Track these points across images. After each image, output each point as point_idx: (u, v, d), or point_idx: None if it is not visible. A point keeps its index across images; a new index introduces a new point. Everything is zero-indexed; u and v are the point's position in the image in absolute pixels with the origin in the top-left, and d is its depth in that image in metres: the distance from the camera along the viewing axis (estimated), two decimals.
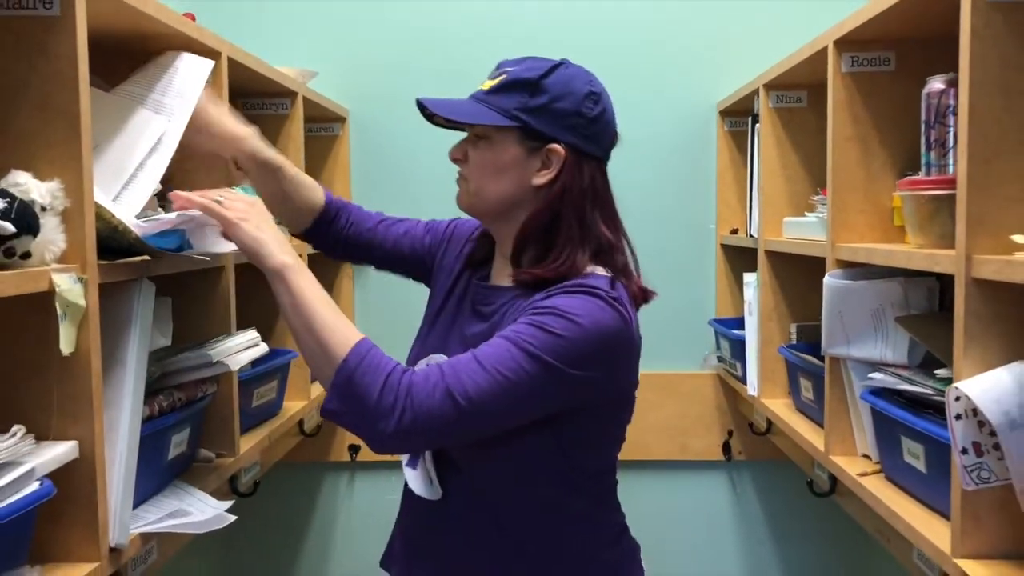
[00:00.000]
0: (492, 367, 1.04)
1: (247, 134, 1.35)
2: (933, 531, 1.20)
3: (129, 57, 1.42)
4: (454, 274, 1.33)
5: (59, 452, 1.05)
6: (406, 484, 1.26)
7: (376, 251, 1.44)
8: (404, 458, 1.24)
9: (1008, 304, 1.06)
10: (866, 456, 1.55)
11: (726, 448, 2.51)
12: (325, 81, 2.36)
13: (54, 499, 1.03)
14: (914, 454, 1.31)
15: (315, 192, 1.43)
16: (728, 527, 2.57)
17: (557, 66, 1.18)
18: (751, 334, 2.10)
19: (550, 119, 1.16)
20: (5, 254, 0.97)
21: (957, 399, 1.06)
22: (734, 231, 2.42)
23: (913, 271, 1.37)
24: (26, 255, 1.00)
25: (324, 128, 2.47)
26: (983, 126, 1.06)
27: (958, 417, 1.07)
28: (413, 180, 2.50)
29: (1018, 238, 1.02)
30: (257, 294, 1.76)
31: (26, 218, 0.97)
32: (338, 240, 1.44)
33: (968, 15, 1.05)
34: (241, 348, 1.50)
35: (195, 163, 1.54)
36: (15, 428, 1.01)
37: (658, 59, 2.47)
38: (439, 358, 1.18)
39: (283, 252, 1.14)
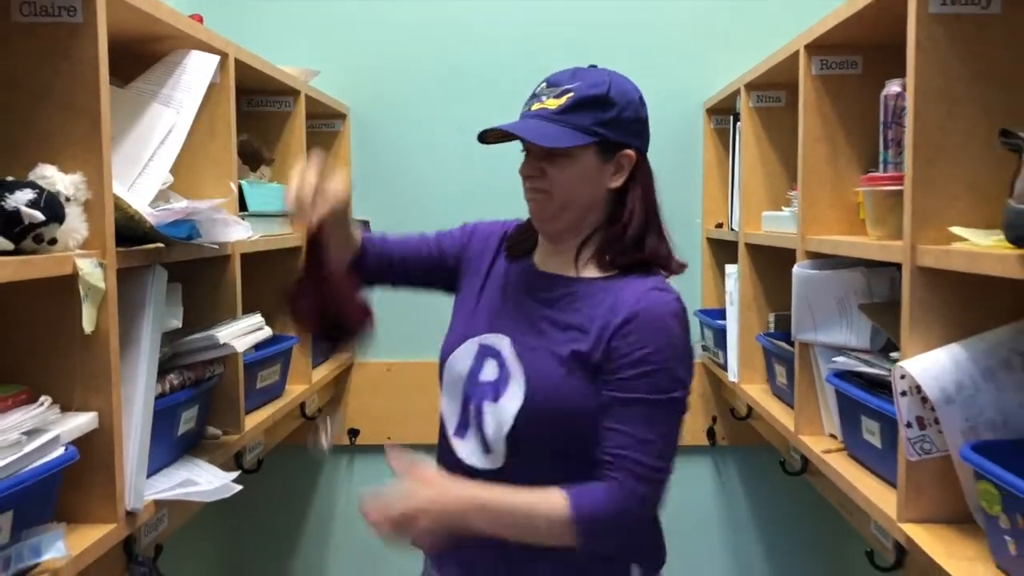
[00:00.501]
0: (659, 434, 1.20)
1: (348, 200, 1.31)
2: (884, 501, 1.29)
3: (142, 57, 1.52)
4: (487, 265, 1.39)
5: (81, 422, 1.15)
6: (445, 454, 1.31)
7: (405, 262, 1.44)
8: (452, 422, 1.31)
9: (948, 291, 1.15)
10: (832, 436, 1.65)
11: (711, 434, 2.61)
12: (327, 79, 2.46)
13: (76, 465, 1.13)
14: (871, 431, 1.41)
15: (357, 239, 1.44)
16: (713, 510, 2.67)
17: (609, 77, 1.28)
18: (731, 323, 2.20)
19: (621, 129, 1.27)
20: (34, 240, 1.07)
21: (902, 377, 1.16)
22: (719, 225, 2.51)
23: (873, 261, 1.46)
24: (52, 241, 1.09)
25: (326, 124, 2.56)
26: (927, 129, 1.16)
27: (903, 394, 1.17)
28: (411, 174, 2.60)
29: (956, 230, 1.12)
30: (262, 281, 1.88)
31: (53, 208, 1.07)
32: (372, 268, 1.43)
33: (913, 27, 1.15)
34: (246, 331, 1.60)
35: (201, 159, 1.65)
36: (42, 399, 1.11)
37: (648, 59, 2.56)
38: (495, 339, 1.29)
39: (459, 507, 1.18)
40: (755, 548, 2.66)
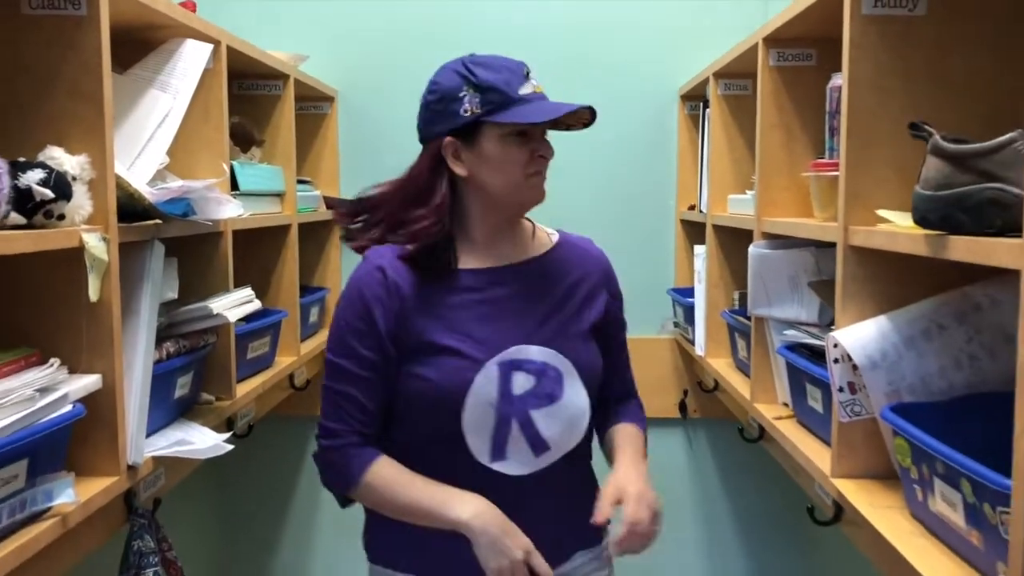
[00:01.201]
0: None
1: None
2: (822, 460, 1.42)
3: (139, 44, 1.61)
4: (413, 306, 1.34)
5: (87, 382, 1.26)
6: (477, 480, 1.31)
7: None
8: (485, 453, 1.32)
9: (876, 268, 1.27)
10: (785, 404, 1.77)
11: (682, 407, 2.73)
12: (315, 63, 2.55)
13: (82, 421, 1.24)
14: (815, 398, 1.53)
15: None
16: (684, 479, 2.80)
17: None
18: (699, 301, 2.31)
19: None
20: (45, 216, 1.17)
21: (835, 346, 1.28)
22: (692, 207, 2.62)
23: (821, 241, 1.58)
24: (60, 217, 1.20)
25: (314, 107, 2.66)
26: (860, 119, 1.27)
27: (836, 361, 1.29)
28: (396, 154, 2.65)
29: (882, 212, 1.23)
30: (251, 257, 1.98)
31: (62, 186, 1.18)
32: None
33: (848, 26, 1.26)
34: (237, 303, 1.71)
35: (195, 141, 1.75)
36: (52, 360, 1.22)
37: (626, 47, 2.66)
38: (514, 351, 1.33)
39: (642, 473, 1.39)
40: (723, 514, 2.79)
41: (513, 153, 1.33)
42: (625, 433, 1.46)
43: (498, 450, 1.33)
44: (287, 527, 2.84)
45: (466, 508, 1.28)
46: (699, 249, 2.33)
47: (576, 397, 1.36)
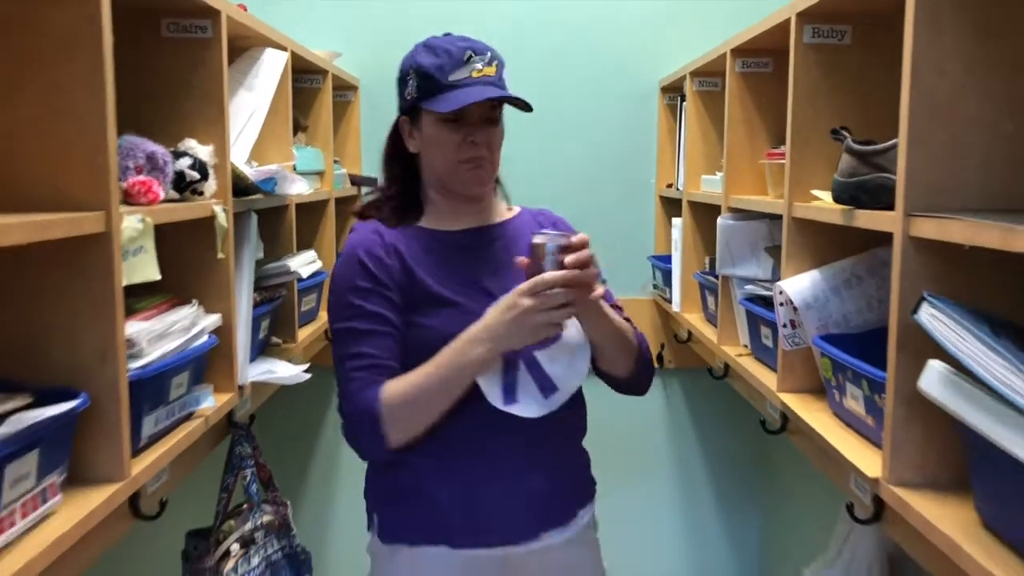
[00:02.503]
0: None
1: None
2: (770, 381, 1.84)
3: (230, 49, 1.98)
4: (415, 262, 1.44)
5: (213, 319, 1.65)
6: (494, 425, 1.41)
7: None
8: (497, 397, 1.39)
9: (812, 234, 1.69)
10: (745, 346, 2.19)
11: (659, 358, 3.16)
12: (341, 57, 2.92)
13: (212, 350, 1.63)
14: (766, 336, 1.95)
15: None
16: (661, 423, 3.23)
17: None
18: (676, 265, 2.73)
19: None
20: (193, 192, 1.55)
21: (780, 293, 1.70)
22: (669, 186, 3.03)
23: (774, 214, 1.99)
24: (200, 193, 1.58)
25: (340, 95, 3.02)
26: (801, 123, 1.68)
27: (781, 304, 1.71)
28: None
29: (815, 192, 1.65)
30: (304, 225, 2.36)
31: (204, 169, 1.56)
32: None
33: (793, 51, 1.66)
34: (306, 263, 2.10)
35: (266, 130, 2.12)
36: (193, 301, 1.60)
37: (613, 44, 3.05)
38: None
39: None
40: (693, 444, 3.23)
41: (445, 137, 1.39)
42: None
43: (509, 392, 1.39)
44: (315, 463, 3.25)
45: (474, 344, 1.33)
46: (676, 221, 2.74)
47: (575, 332, 1.43)
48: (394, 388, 1.37)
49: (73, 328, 1.20)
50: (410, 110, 1.44)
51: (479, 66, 1.38)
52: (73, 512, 1.14)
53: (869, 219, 1.35)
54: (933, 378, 1.11)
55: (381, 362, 1.40)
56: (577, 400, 1.53)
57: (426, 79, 1.38)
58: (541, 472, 1.45)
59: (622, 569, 3.07)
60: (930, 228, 1.15)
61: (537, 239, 1.33)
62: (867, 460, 1.35)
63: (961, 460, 1.19)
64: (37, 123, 1.15)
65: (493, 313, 1.34)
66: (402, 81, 1.46)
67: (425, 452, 1.43)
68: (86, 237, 1.16)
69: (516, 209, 1.61)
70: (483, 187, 1.45)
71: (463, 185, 1.44)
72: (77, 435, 1.19)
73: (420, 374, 1.37)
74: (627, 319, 1.57)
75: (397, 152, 1.51)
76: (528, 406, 1.40)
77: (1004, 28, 1.17)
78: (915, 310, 1.12)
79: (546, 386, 1.42)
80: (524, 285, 1.31)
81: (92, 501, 1.18)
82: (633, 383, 1.57)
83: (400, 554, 1.47)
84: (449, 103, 1.35)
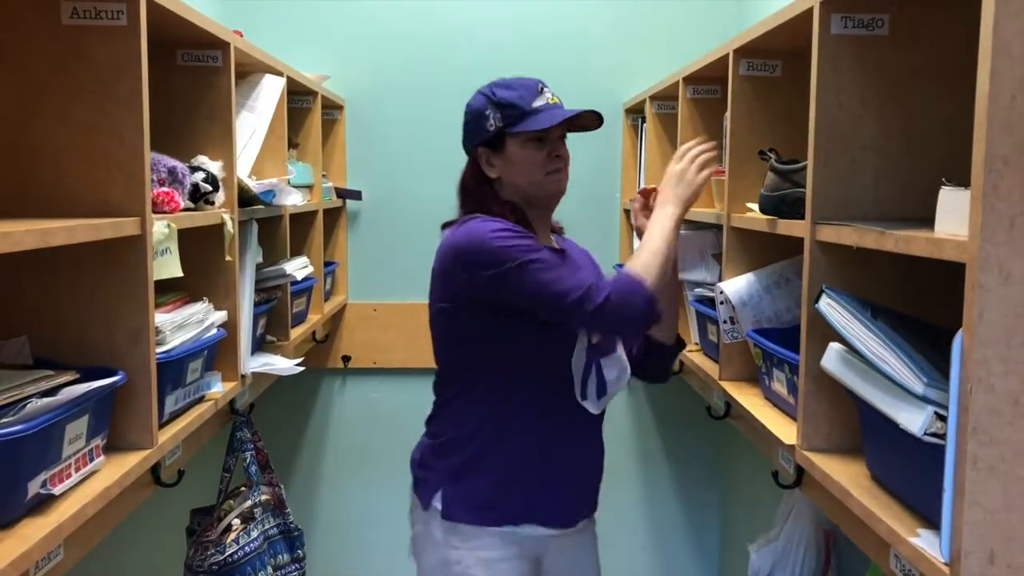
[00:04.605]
0: None
1: None
2: (714, 372, 2.08)
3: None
4: None
5: (221, 315, 1.86)
6: (575, 415, 1.68)
7: None
8: (591, 391, 1.66)
9: (747, 241, 1.93)
10: (696, 343, 2.43)
11: None
12: (328, 79, 3.14)
13: (219, 342, 1.84)
14: (712, 333, 2.19)
15: None
16: (626, 423, 3.46)
17: None
18: None
19: None
20: (205, 202, 1.77)
21: (720, 293, 1.94)
22: (633, 200, 3.28)
23: (717, 224, 2.24)
24: (212, 203, 1.80)
25: (327, 114, 3.23)
26: (738, 145, 1.93)
27: (721, 303, 1.95)
28: (394, 153, 3.31)
29: (749, 205, 1.89)
30: (302, 233, 2.57)
31: (216, 182, 1.78)
32: None
33: (731, 83, 1.91)
34: (299, 267, 2.32)
35: (264, 147, 2.34)
36: (204, 299, 1.81)
37: (582, 70, 3.30)
38: None
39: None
40: (656, 444, 3.47)
41: (532, 155, 1.64)
42: None
43: (583, 389, 1.64)
44: (303, 451, 3.45)
45: (664, 208, 1.65)
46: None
47: (623, 351, 1.72)
48: (634, 264, 1.59)
49: (111, 315, 1.42)
50: (493, 139, 1.65)
51: (549, 95, 1.68)
52: (113, 470, 1.35)
53: (787, 227, 1.60)
54: (831, 357, 1.35)
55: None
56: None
57: (511, 108, 1.63)
58: (594, 464, 1.77)
59: None
60: (830, 233, 1.39)
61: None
62: (787, 432, 1.59)
63: (859, 427, 1.42)
64: (85, 141, 1.37)
65: (664, 187, 1.68)
66: (479, 117, 1.66)
67: (500, 437, 1.65)
68: (125, 238, 1.38)
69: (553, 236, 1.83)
70: (565, 186, 1.71)
71: (551, 189, 1.69)
72: (114, 407, 1.40)
73: (643, 249, 1.61)
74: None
75: (476, 180, 1.70)
76: (591, 403, 1.67)
77: (892, 69, 1.42)
78: (816, 300, 1.36)
79: (602, 389, 1.67)
80: (674, 157, 1.70)
81: (128, 463, 1.39)
82: (671, 353, 1.85)
83: (458, 530, 1.65)
84: (541, 122, 1.61)
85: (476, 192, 1.71)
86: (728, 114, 1.94)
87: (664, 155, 2.88)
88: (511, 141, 1.66)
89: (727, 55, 1.96)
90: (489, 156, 1.69)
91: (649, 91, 2.88)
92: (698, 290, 2.31)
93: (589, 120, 1.69)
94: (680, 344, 1.87)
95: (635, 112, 3.27)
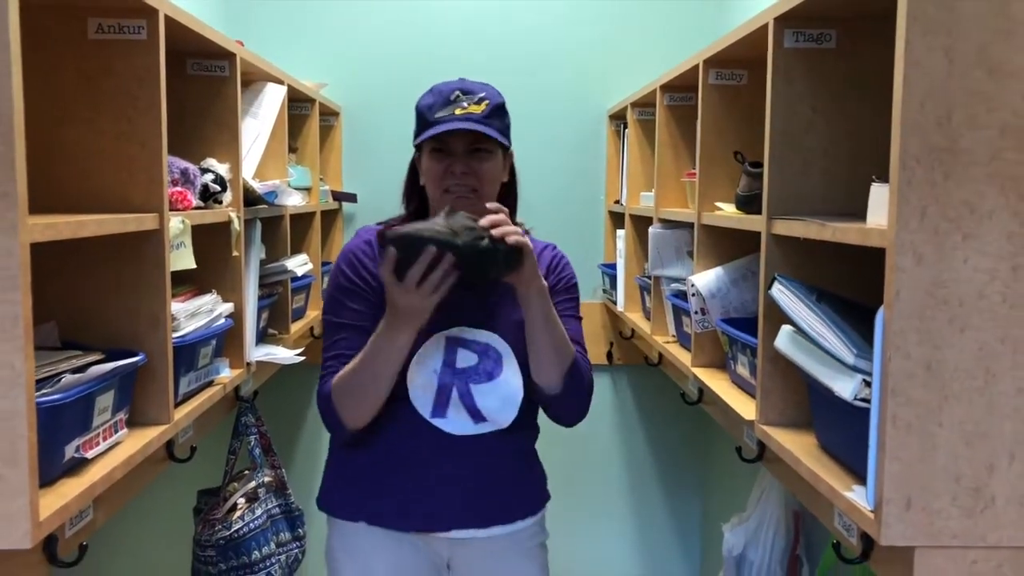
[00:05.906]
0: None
1: None
2: (688, 360, 2.23)
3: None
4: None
5: (228, 307, 2.00)
6: (419, 432, 1.57)
7: None
8: (427, 410, 1.55)
9: (717, 238, 2.08)
10: (673, 335, 2.58)
11: (609, 355, 3.54)
12: (327, 86, 3.29)
13: (227, 331, 1.98)
14: (687, 325, 2.35)
15: None
16: (608, 416, 3.61)
17: (496, 89, 1.60)
18: (620, 271, 3.12)
19: (509, 132, 1.60)
20: (214, 201, 1.91)
21: (692, 286, 2.09)
22: (616, 202, 3.43)
23: (691, 223, 2.39)
24: (220, 202, 1.94)
25: (324, 120, 3.39)
26: (708, 149, 2.08)
27: (692, 295, 2.10)
28: (388, 158, 3.39)
29: (719, 204, 2.05)
30: (300, 234, 2.72)
31: (224, 183, 1.92)
32: None
33: (701, 91, 2.07)
34: (300, 264, 2.46)
35: (266, 151, 2.48)
36: (212, 291, 1.96)
37: (567, 76, 3.47)
38: (460, 331, 1.56)
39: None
40: (639, 437, 3.62)
41: (433, 167, 1.55)
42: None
43: (439, 410, 1.55)
44: (301, 438, 3.59)
45: (398, 327, 1.46)
46: (620, 232, 3.14)
47: (512, 378, 1.56)
48: (339, 376, 1.56)
49: (133, 303, 1.56)
50: (418, 146, 1.61)
51: (465, 104, 1.51)
52: (135, 441, 1.50)
53: (748, 222, 1.75)
54: (783, 338, 1.50)
55: (351, 355, 1.55)
56: (525, 423, 1.65)
57: (420, 117, 1.57)
58: (468, 480, 1.61)
59: (571, 553, 3.48)
60: (783, 227, 1.54)
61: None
62: (748, 409, 1.74)
63: (808, 402, 1.58)
64: (111, 146, 1.52)
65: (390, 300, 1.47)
66: (415, 119, 1.62)
67: (367, 443, 1.64)
68: (145, 232, 1.52)
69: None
70: (473, 205, 1.52)
71: (452, 205, 1.51)
72: (134, 386, 1.54)
73: (353, 361, 1.53)
74: (580, 343, 1.68)
75: (414, 182, 1.67)
76: (454, 425, 1.57)
77: (839, 79, 1.57)
78: (769, 287, 1.51)
79: (476, 415, 1.57)
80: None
81: (148, 435, 1.53)
82: (561, 402, 1.61)
83: (333, 524, 1.77)
84: (426, 134, 1.53)
85: (410, 195, 1.69)
86: (699, 123, 2.09)
87: (644, 159, 3.04)
88: (423, 149, 1.60)
89: (698, 65, 2.11)
90: (419, 161, 1.65)
91: (631, 98, 3.03)
92: (674, 285, 2.47)
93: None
94: (574, 386, 1.62)
95: (618, 118, 3.42)
